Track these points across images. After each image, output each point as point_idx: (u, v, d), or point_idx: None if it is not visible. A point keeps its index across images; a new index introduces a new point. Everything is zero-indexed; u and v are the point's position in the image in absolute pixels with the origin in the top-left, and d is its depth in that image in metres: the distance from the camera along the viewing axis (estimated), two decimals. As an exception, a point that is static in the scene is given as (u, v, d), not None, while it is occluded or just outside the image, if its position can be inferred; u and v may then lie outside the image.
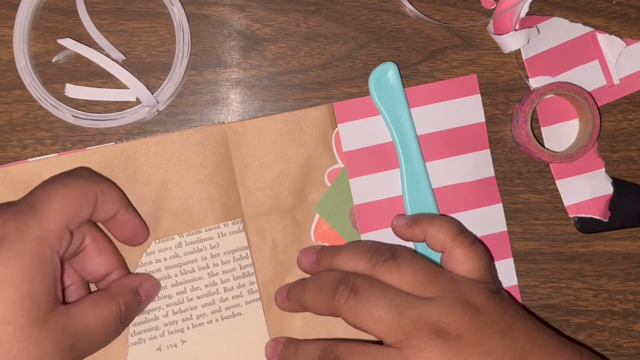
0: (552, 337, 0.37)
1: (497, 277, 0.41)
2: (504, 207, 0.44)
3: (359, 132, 0.43)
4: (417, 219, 0.40)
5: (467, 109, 0.44)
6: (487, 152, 0.44)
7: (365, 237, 0.43)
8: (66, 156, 0.41)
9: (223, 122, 0.43)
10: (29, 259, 0.33)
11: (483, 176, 0.44)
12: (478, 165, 0.44)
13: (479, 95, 0.44)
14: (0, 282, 0.31)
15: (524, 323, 0.36)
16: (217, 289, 0.42)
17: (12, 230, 0.32)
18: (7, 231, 0.32)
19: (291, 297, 0.40)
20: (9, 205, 0.34)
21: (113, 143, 0.42)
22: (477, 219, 0.44)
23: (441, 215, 0.42)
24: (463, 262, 0.38)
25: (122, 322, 0.37)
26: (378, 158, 0.43)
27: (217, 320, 0.41)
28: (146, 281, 0.40)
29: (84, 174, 0.38)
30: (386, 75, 0.43)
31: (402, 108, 0.43)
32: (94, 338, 0.35)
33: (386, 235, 0.43)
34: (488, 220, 0.44)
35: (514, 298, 0.44)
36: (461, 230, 0.39)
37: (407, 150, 0.43)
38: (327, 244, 0.43)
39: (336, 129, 0.43)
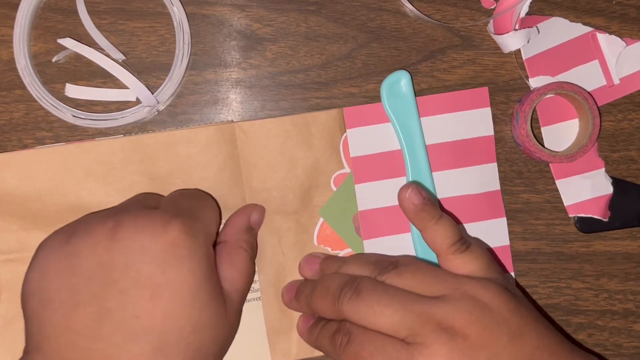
0: (563, 344, 0.36)
1: (505, 274, 0.41)
2: (504, 207, 0.44)
3: (367, 138, 0.43)
4: (427, 209, 0.38)
5: (477, 122, 0.44)
6: (494, 166, 0.44)
7: (367, 243, 0.43)
8: (74, 146, 0.41)
9: (232, 121, 0.43)
10: (205, 261, 0.34)
11: (489, 189, 0.44)
12: (484, 178, 0.44)
13: (489, 108, 0.44)
14: (191, 290, 0.33)
15: (536, 326, 0.35)
16: None
17: (183, 236, 0.34)
18: (179, 237, 0.33)
19: (300, 299, 0.40)
20: (160, 213, 0.35)
21: (121, 136, 0.42)
22: (480, 231, 0.43)
23: (448, 216, 0.42)
24: (461, 268, 0.37)
25: (253, 261, 0.40)
26: (385, 165, 0.43)
27: None
28: (253, 213, 0.41)
29: (209, 195, 0.41)
30: (399, 83, 0.43)
31: (413, 117, 0.43)
32: (245, 290, 0.39)
33: (389, 243, 0.43)
34: (491, 233, 0.44)
35: (527, 295, 0.44)
36: (456, 240, 0.38)
37: (415, 159, 0.43)
38: (329, 249, 0.43)
39: (345, 134, 0.43)
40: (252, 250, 0.40)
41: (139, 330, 0.32)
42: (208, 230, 0.36)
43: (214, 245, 0.38)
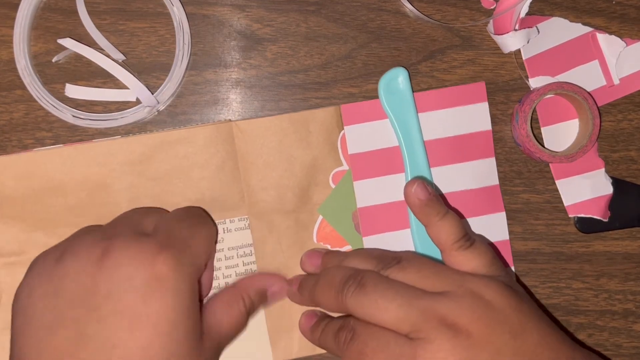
0: (564, 342, 0.36)
1: (508, 269, 0.41)
2: (504, 207, 0.44)
3: (365, 135, 0.43)
4: (432, 205, 0.38)
5: (474, 117, 0.44)
6: (492, 160, 0.44)
7: (367, 240, 0.43)
8: (72, 147, 0.41)
9: (230, 120, 0.43)
10: (188, 296, 0.34)
11: (487, 184, 0.44)
12: (483, 172, 0.44)
13: (487, 103, 0.44)
14: (170, 323, 0.33)
15: (538, 324, 0.35)
16: (219, 284, 0.42)
17: (170, 270, 0.33)
18: (165, 271, 0.33)
19: (303, 292, 0.40)
20: (150, 243, 0.34)
21: (120, 137, 0.42)
22: (479, 226, 0.43)
23: (453, 212, 0.42)
24: (465, 264, 0.37)
25: (248, 316, 0.39)
26: (383, 162, 0.43)
27: None
28: (277, 284, 0.41)
29: (209, 218, 0.41)
30: (396, 80, 0.43)
31: (410, 113, 0.43)
32: (229, 337, 0.38)
33: (388, 239, 0.43)
34: (490, 228, 0.44)
35: (530, 292, 0.44)
36: (461, 236, 0.38)
37: (413, 155, 0.43)
38: (329, 246, 0.43)
39: (342, 131, 0.43)
40: (251, 310, 0.39)
41: (114, 359, 0.32)
42: (197, 264, 0.36)
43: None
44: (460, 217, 0.43)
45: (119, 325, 0.32)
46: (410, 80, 0.43)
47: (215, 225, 0.41)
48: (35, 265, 0.35)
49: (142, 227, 0.37)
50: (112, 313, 0.32)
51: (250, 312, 0.39)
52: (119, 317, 0.32)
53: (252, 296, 0.39)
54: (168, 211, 0.40)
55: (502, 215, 0.44)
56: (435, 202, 0.38)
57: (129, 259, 0.33)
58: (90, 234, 0.36)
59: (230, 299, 0.38)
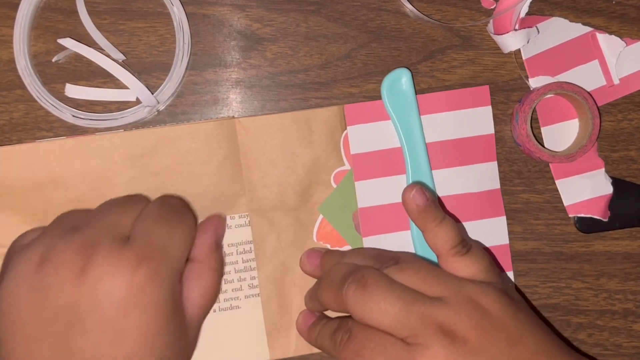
0: (561, 349, 0.36)
1: (504, 276, 0.41)
2: (504, 206, 0.44)
3: (368, 136, 0.43)
4: (429, 211, 0.38)
5: (477, 120, 0.44)
6: (494, 164, 0.44)
7: (367, 240, 0.43)
8: (74, 140, 0.41)
9: (233, 117, 0.43)
10: (168, 304, 0.34)
11: (488, 188, 0.44)
12: (484, 176, 0.44)
13: (490, 107, 0.44)
14: (153, 333, 0.33)
15: (535, 331, 0.35)
16: None
17: (150, 282, 0.33)
18: (145, 283, 0.33)
19: (312, 295, 0.41)
20: (130, 254, 0.34)
21: (122, 130, 0.42)
22: (479, 230, 0.43)
23: (450, 218, 0.42)
24: (461, 270, 0.37)
25: (221, 277, 0.40)
26: (385, 163, 0.43)
27: (214, 311, 0.42)
28: (218, 227, 0.41)
29: (189, 210, 0.40)
30: (399, 81, 0.43)
31: (413, 115, 0.43)
32: (209, 309, 0.39)
33: (388, 240, 0.43)
34: (490, 232, 0.44)
35: (526, 298, 0.44)
36: (457, 242, 0.38)
37: (415, 157, 0.43)
38: (329, 246, 0.43)
39: (345, 131, 0.43)
40: (222, 267, 0.40)
41: None
42: (176, 267, 0.36)
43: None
44: (460, 221, 0.43)
45: (102, 339, 0.32)
46: (414, 81, 0.43)
47: (193, 212, 0.40)
48: (13, 267, 0.35)
49: (121, 229, 0.36)
50: (95, 326, 0.32)
51: (222, 270, 0.40)
52: (101, 330, 0.32)
53: (216, 257, 0.39)
54: (146, 199, 0.39)
55: (503, 220, 0.44)
56: (432, 208, 0.38)
57: (109, 272, 0.33)
58: (69, 238, 0.35)
59: (201, 274, 0.38)
